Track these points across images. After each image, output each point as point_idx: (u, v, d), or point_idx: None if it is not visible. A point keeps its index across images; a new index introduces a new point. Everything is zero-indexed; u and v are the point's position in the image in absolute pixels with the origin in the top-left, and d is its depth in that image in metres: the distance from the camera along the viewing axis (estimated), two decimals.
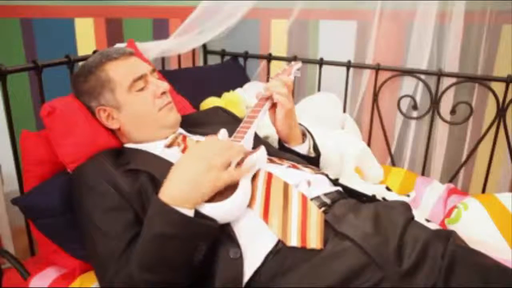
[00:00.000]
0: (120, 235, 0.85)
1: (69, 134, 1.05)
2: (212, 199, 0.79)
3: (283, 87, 1.07)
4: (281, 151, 1.13)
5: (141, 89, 1.05)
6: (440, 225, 1.21)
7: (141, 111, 1.05)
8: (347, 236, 0.78)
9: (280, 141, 1.17)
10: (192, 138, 1.08)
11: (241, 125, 1.01)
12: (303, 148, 1.14)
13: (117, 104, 1.05)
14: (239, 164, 0.84)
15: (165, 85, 1.08)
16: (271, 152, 1.00)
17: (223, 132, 0.95)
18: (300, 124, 1.17)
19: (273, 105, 1.10)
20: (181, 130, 1.12)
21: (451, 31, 1.61)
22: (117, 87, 1.04)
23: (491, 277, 0.73)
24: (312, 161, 1.14)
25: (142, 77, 1.05)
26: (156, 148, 1.04)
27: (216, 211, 0.77)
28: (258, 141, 1.07)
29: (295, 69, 1.18)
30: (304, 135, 1.17)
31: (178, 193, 0.77)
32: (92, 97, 1.07)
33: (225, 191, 0.80)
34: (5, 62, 1.13)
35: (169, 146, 1.05)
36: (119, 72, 1.05)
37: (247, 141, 0.96)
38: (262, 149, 0.91)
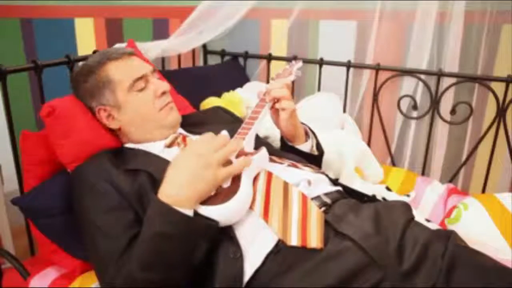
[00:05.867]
0: (120, 235, 0.84)
1: (69, 134, 1.05)
2: (213, 200, 0.79)
3: (284, 89, 1.06)
4: (282, 150, 1.13)
5: (142, 89, 1.05)
6: (440, 225, 1.21)
7: (141, 111, 1.05)
8: (347, 236, 0.78)
9: (282, 141, 1.17)
10: (192, 138, 1.08)
11: (242, 125, 1.00)
12: (306, 147, 1.14)
13: (117, 104, 1.05)
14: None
15: (165, 85, 1.08)
16: (271, 151, 1.00)
17: (224, 133, 0.95)
18: (302, 123, 1.17)
19: (274, 105, 1.09)
20: (181, 130, 1.12)
21: (451, 31, 1.61)
22: (118, 87, 1.04)
23: (491, 277, 0.73)
24: (315, 159, 1.14)
25: (142, 77, 1.05)
26: (156, 148, 1.04)
27: (216, 214, 0.77)
28: (258, 141, 1.07)
29: (296, 68, 1.17)
30: (306, 134, 1.17)
31: (176, 192, 0.77)
32: (92, 97, 1.07)
33: (227, 193, 0.79)
34: (5, 62, 1.13)
35: (169, 146, 1.05)
36: (120, 72, 1.05)
37: (249, 142, 0.96)
38: (263, 150, 0.91)
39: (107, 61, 1.06)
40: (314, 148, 1.16)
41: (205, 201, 0.79)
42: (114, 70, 1.05)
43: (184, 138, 1.06)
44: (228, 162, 0.83)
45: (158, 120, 1.06)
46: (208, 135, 0.86)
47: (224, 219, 0.78)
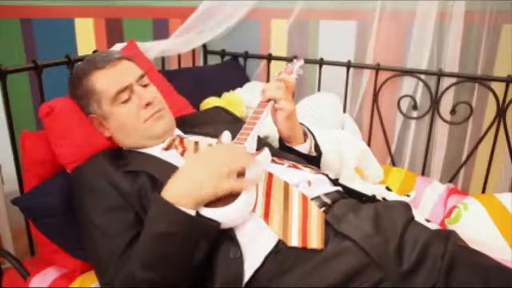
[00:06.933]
0: (120, 235, 0.85)
1: (68, 135, 1.05)
2: (216, 202, 0.79)
3: (279, 90, 1.05)
4: (281, 150, 1.13)
5: (126, 101, 1.02)
6: (440, 225, 1.21)
7: (126, 123, 1.03)
8: (348, 236, 0.78)
9: (281, 141, 1.17)
10: (190, 139, 1.06)
11: (244, 126, 1.00)
12: (305, 148, 1.14)
13: (103, 114, 1.04)
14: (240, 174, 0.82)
15: (149, 96, 1.03)
16: (271, 151, 1.00)
17: (226, 134, 0.95)
18: (301, 124, 1.17)
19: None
20: (178, 132, 1.11)
21: (451, 31, 1.62)
22: (102, 99, 1.02)
23: (491, 277, 0.73)
24: (313, 160, 1.14)
25: (126, 88, 1.02)
26: (154, 151, 1.03)
27: (218, 216, 0.77)
28: (259, 141, 1.06)
29: (297, 67, 1.16)
30: (305, 134, 1.17)
31: (180, 192, 0.77)
32: (83, 104, 1.07)
33: (230, 196, 0.79)
34: (5, 62, 1.13)
35: (167, 149, 1.04)
36: (104, 83, 1.02)
37: (250, 143, 0.96)
38: (266, 152, 0.90)
39: (93, 70, 1.03)
40: (313, 149, 1.16)
41: (208, 203, 0.79)
42: (98, 80, 1.02)
43: (181, 140, 1.05)
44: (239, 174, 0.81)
45: (144, 131, 1.03)
46: (225, 145, 0.86)
47: (227, 221, 0.78)
